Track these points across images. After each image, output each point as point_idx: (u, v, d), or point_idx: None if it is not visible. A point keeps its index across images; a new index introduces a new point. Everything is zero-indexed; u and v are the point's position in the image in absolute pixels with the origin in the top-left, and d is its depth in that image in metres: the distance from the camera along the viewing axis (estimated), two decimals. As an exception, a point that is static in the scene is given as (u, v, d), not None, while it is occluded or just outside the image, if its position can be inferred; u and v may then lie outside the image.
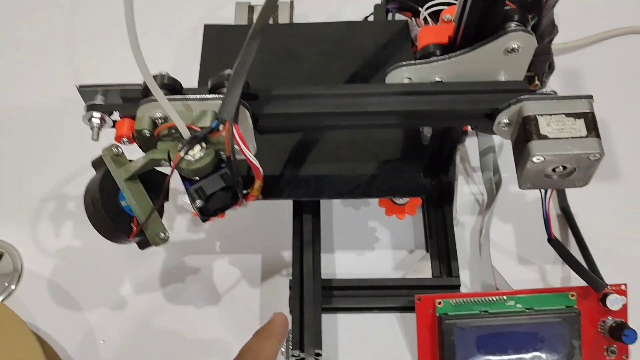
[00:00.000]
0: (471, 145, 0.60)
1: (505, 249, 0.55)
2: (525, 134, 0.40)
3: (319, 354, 0.47)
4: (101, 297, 0.54)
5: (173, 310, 0.54)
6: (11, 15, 0.70)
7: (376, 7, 0.60)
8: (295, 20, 0.61)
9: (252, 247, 0.56)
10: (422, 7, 0.57)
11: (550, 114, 0.40)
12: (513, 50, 0.42)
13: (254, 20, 0.57)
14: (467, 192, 0.58)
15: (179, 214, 0.57)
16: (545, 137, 0.39)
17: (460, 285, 0.52)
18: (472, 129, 0.56)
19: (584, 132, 0.39)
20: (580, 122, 0.39)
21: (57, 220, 0.57)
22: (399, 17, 0.59)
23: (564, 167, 0.40)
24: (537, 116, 0.40)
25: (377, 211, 0.52)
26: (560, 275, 0.54)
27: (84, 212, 0.42)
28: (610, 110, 0.61)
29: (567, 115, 0.40)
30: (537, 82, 0.54)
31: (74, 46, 0.68)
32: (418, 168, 0.48)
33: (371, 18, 0.61)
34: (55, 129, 0.62)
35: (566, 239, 0.55)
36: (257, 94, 0.42)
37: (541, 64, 0.50)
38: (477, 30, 0.41)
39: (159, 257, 0.55)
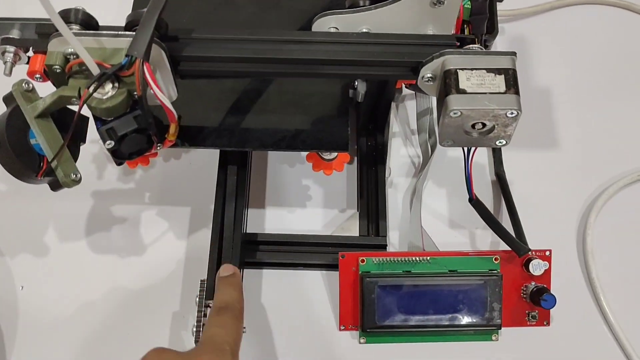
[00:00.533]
0: (412, 107, 0.59)
1: (436, 211, 0.55)
2: (445, 88, 0.39)
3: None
4: (23, 243, 0.53)
5: (96, 259, 0.53)
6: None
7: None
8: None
9: (182, 199, 0.55)
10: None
11: (472, 69, 0.39)
12: (439, 2, 0.41)
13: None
14: (404, 154, 0.57)
15: (109, 162, 0.56)
16: (463, 92, 0.38)
17: (387, 245, 0.52)
18: (406, 87, 0.55)
19: (503, 88, 0.39)
20: (500, 78, 0.39)
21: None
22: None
23: (484, 125, 0.40)
24: (457, 70, 0.39)
25: (311, 169, 0.51)
26: (490, 240, 0.54)
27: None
28: (555, 78, 0.61)
29: (488, 70, 0.39)
30: (477, 43, 0.53)
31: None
32: (344, 123, 0.47)
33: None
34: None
35: (499, 206, 0.55)
36: (177, 35, 0.41)
37: (479, 23, 0.49)
38: (403, -21, 0.40)
39: (85, 205, 0.54)
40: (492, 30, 0.55)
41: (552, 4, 0.64)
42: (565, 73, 0.61)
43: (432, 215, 0.55)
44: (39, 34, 0.41)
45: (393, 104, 0.56)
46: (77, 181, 0.42)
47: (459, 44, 0.44)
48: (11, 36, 0.41)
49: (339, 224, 0.54)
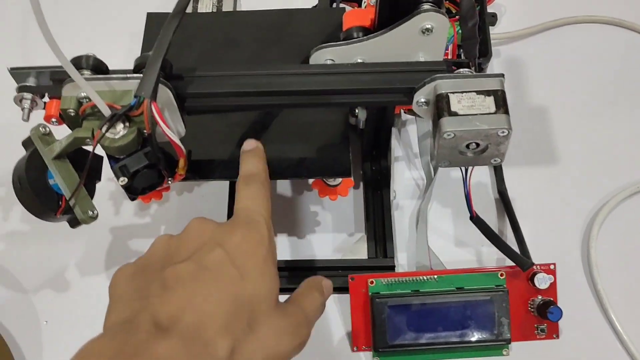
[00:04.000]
0: (414, 131, 0.61)
1: (442, 231, 0.56)
2: (437, 111, 0.41)
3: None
4: (45, 280, 0.55)
5: (116, 292, 0.55)
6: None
7: (320, -2, 0.62)
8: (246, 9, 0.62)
9: (195, 231, 0.57)
10: (364, -4, 0.59)
11: (462, 92, 0.41)
12: (427, 30, 0.43)
13: (199, 9, 0.59)
14: (408, 177, 0.59)
15: (125, 199, 0.58)
16: (455, 114, 0.40)
17: (395, 266, 0.53)
18: (404, 112, 0.57)
19: (493, 109, 0.40)
20: (490, 100, 0.41)
21: (5, 205, 0.58)
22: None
23: (477, 144, 0.41)
24: (449, 94, 0.41)
25: (318, 196, 0.53)
26: (496, 257, 0.55)
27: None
28: (552, 97, 0.63)
29: (478, 92, 0.41)
30: (471, 67, 0.55)
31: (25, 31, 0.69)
32: (346, 150, 0.49)
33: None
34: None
35: (504, 223, 0.57)
36: (182, 74, 0.44)
37: (470, 48, 0.51)
38: (392, 11, 0.43)
39: (104, 240, 0.57)
40: (487, 53, 0.58)
41: (545, 25, 0.66)
42: (561, 90, 0.63)
43: (438, 235, 0.56)
44: (54, 81, 0.43)
45: (394, 129, 0.58)
46: (94, 217, 0.44)
47: (455, 68, 0.46)
48: (28, 84, 0.44)
49: (347, 248, 0.55)
